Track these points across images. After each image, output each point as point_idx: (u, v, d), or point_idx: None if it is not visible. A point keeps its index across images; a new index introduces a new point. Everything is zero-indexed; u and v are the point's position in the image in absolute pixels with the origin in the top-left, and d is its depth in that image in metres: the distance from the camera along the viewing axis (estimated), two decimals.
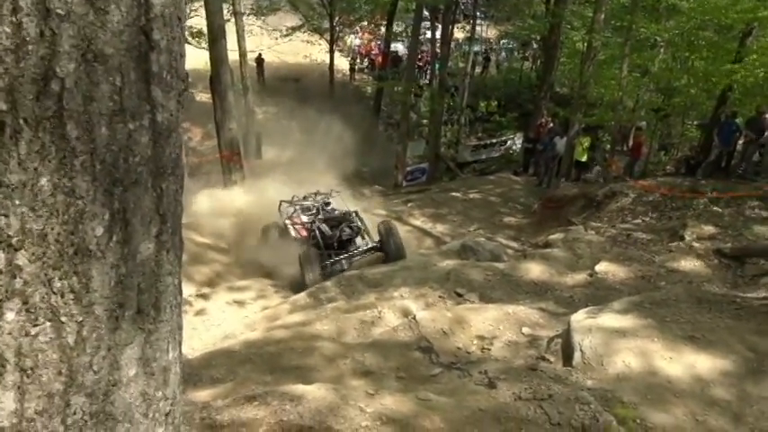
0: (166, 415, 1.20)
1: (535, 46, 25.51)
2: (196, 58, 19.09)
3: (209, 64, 13.30)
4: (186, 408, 4.38)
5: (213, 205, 11.78)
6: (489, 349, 5.55)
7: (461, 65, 23.40)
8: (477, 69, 26.39)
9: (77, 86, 0.95)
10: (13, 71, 0.91)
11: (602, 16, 14.85)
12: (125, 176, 1.03)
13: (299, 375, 5.26)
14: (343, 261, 9.25)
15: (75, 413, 1.04)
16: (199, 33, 18.55)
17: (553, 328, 5.62)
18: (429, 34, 22.09)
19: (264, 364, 5.67)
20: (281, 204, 10.68)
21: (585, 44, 16.05)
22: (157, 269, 1.12)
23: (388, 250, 9.44)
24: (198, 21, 17.91)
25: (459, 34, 24.36)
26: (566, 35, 19.47)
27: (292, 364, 5.59)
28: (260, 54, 24.26)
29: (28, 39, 0.91)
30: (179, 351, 1.24)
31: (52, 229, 0.97)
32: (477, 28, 24.20)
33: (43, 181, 0.95)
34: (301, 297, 7.92)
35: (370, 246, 9.49)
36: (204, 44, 15.56)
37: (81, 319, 1.02)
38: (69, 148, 0.96)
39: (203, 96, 17.80)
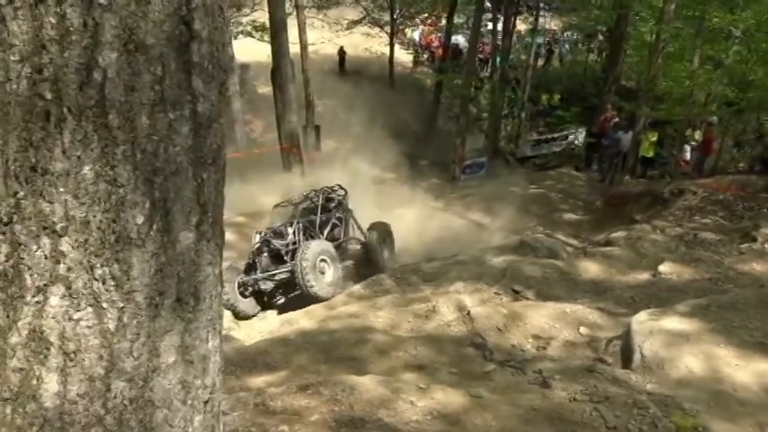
0: (205, 403, 1.21)
1: (601, 38, 24.68)
2: (258, 51, 19.44)
3: (270, 57, 13.51)
4: (242, 393, 4.49)
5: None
6: (545, 348, 5.44)
7: (523, 57, 22.91)
8: (540, 62, 25.81)
9: (119, 76, 0.96)
10: (57, 61, 0.93)
11: (673, 6, 14.22)
12: (165, 166, 1.04)
13: (352, 366, 5.30)
14: (258, 281, 8.18)
15: (115, 397, 1.06)
16: (262, 27, 18.85)
17: (612, 329, 5.44)
18: (490, 26, 21.73)
19: (319, 353, 5.74)
20: (275, 208, 9.77)
21: (654, 35, 15.42)
22: (197, 259, 1.13)
23: (372, 256, 9.01)
24: (261, 14, 18.23)
25: (521, 26, 23.87)
26: (634, 26, 18.75)
27: (346, 354, 5.64)
28: (342, 47, 24.61)
29: (72, 29, 0.92)
30: (219, 340, 1.25)
31: (94, 216, 0.99)
32: (541, 19, 23.61)
33: (86, 169, 0.97)
34: (357, 288, 7.98)
35: (286, 269, 8.00)
36: (266, 37, 15.82)
37: (122, 305, 1.04)
38: (111, 137, 0.97)
39: (265, 89, 18.10)
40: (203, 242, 1.14)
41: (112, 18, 0.95)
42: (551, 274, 7.27)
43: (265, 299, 8.41)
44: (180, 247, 1.09)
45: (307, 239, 8.33)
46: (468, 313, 5.95)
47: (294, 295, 8.18)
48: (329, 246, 8.33)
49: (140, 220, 1.02)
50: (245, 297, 8.09)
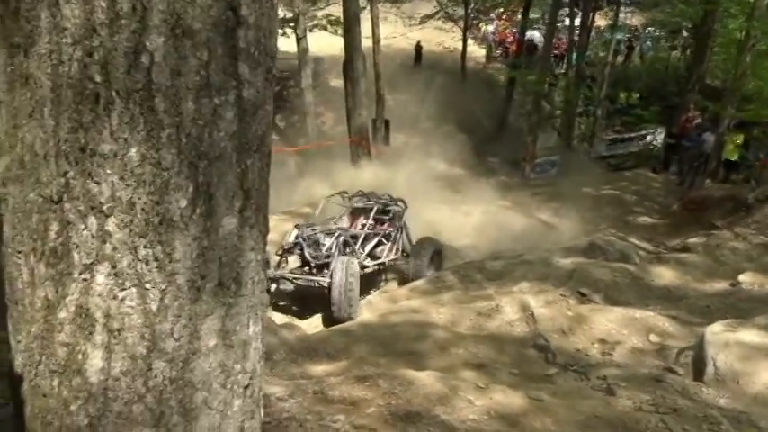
0: (245, 388, 1.22)
1: (685, 34, 23.53)
2: (331, 44, 19.66)
3: (343, 50, 13.63)
4: (301, 380, 4.56)
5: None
6: (611, 354, 5.24)
7: (601, 54, 22.14)
8: (619, 59, 24.87)
9: (165, 60, 0.97)
10: (107, 44, 0.95)
11: (766, 2, 13.41)
12: (209, 151, 1.05)
13: (411, 360, 5.28)
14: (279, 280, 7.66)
15: (156, 377, 1.08)
16: (336, 21, 19.06)
17: (685, 339, 5.19)
18: (567, 22, 21.11)
19: (379, 345, 5.76)
20: (327, 198, 9.28)
21: (744, 32, 14.58)
22: (240, 244, 1.14)
23: (417, 274, 8.23)
24: (335, 8, 18.42)
25: (600, 22, 23.07)
26: (721, 22, 17.78)
27: (405, 348, 5.63)
28: (419, 42, 24.63)
29: (121, 13, 0.94)
30: (260, 327, 1.25)
31: (139, 198, 1.01)
32: (621, 15, 22.74)
33: (132, 152, 0.99)
34: (420, 283, 7.95)
35: (321, 279, 7.37)
36: (340, 31, 15.97)
37: (164, 287, 1.05)
38: (157, 120, 0.99)
39: (337, 82, 18.30)
40: (246, 228, 1.14)
41: (160, 3, 0.96)
42: (621, 278, 7.00)
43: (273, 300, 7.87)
44: (222, 231, 1.10)
45: (344, 254, 7.77)
46: (532, 314, 5.81)
47: (308, 303, 7.78)
48: (356, 268, 7.49)
49: (184, 203, 1.04)
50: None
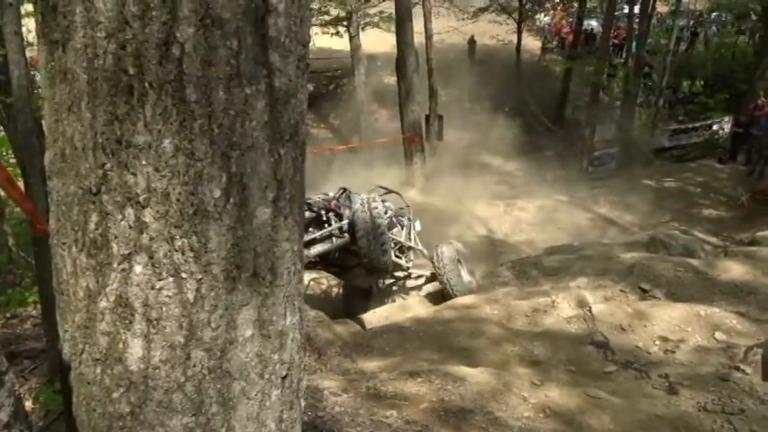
0: (283, 378, 1.22)
1: (754, 18, 22.38)
2: (384, 41, 19.69)
3: (395, 47, 13.63)
4: (354, 376, 4.59)
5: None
6: (673, 352, 5.05)
7: (663, 42, 21.32)
8: (682, 46, 23.89)
9: (196, 51, 0.98)
10: (139, 37, 0.96)
11: None
12: (242, 141, 1.05)
13: (464, 357, 5.24)
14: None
15: (194, 366, 1.09)
16: (389, 18, 19.07)
17: (753, 337, 4.96)
18: (627, 9, 20.45)
19: (432, 341, 5.75)
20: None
21: None
22: (274, 234, 1.13)
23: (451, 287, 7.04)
24: (388, 5, 18.42)
25: (661, 8, 22.23)
26: None
27: (459, 344, 5.60)
28: (472, 36, 24.46)
29: (152, 5, 0.95)
30: (298, 317, 1.25)
31: (174, 189, 1.02)
32: (684, 0, 21.86)
33: (166, 142, 1.00)
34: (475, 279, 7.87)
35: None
36: (393, 28, 15.96)
37: (200, 276, 1.06)
38: (189, 111, 0.99)
39: (391, 79, 18.31)
40: (280, 218, 1.14)
41: None
42: (685, 273, 6.73)
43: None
44: (256, 221, 1.10)
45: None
46: (590, 310, 5.67)
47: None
48: (381, 209, 6.43)
49: (217, 193, 1.04)
50: None
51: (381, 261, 6.22)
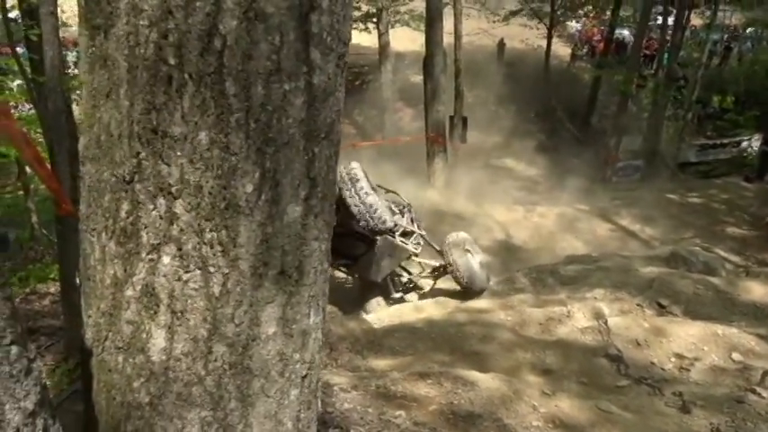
0: (303, 378, 1.21)
1: None
2: (413, 40, 19.62)
3: (424, 46, 13.56)
4: (365, 373, 4.58)
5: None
6: (688, 370, 4.97)
7: (695, 55, 20.97)
8: (715, 60, 23.50)
9: (237, 44, 0.97)
10: (182, 27, 0.95)
11: None
12: (277, 137, 1.03)
13: (475, 361, 5.20)
14: None
15: (215, 360, 1.09)
16: (419, 17, 18.99)
17: None
18: (660, 20, 20.13)
19: (444, 343, 5.71)
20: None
21: None
22: (304, 232, 1.12)
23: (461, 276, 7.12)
24: (419, 4, 18.36)
25: (696, 21, 21.86)
26: None
27: (470, 348, 5.55)
28: (502, 39, 24.33)
29: None
30: (322, 317, 1.24)
31: (207, 181, 1.01)
32: (720, 14, 21.47)
33: (202, 135, 0.99)
34: (490, 284, 7.82)
35: None
36: (423, 27, 15.89)
37: (227, 271, 1.05)
38: (227, 104, 0.98)
39: (418, 78, 18.25)
40: (311, 217, 1.13)
41: None
42: (705, 290, 6.62)
43: None
44: (287, 219, 1.09)
45: None
46: (606, 322, 5.60)
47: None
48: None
49: (250, 188, 1.03)
50: None
51: (375, 219, 6.39)
